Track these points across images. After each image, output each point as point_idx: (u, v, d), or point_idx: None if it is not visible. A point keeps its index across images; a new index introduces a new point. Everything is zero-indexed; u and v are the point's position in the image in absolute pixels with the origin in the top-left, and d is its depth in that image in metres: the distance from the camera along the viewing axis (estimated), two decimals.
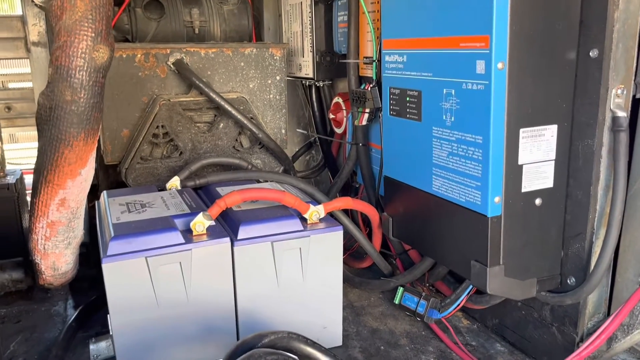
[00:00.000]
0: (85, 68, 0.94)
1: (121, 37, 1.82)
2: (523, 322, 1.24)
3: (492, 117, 0.98)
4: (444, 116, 1.10)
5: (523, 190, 1.04)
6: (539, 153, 1.04)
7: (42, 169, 1.00)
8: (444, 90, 1.09)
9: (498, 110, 0.98)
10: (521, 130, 1.01)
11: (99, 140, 1.66)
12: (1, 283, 1.34)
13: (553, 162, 1.05)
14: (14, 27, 3.82)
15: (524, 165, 1.03)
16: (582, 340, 1.10)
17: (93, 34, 0.94)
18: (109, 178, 1.97)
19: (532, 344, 1.22)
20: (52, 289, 1.61)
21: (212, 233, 1.16)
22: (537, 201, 1.06)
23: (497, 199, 1.02)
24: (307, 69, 1.86)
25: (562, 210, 1.09)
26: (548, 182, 1.06)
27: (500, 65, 0.96)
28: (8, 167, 1.92)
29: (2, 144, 2.44)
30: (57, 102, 0.95)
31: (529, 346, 1.23)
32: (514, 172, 1.03)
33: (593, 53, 1.00)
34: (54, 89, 0.95)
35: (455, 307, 1.29)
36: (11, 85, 3.92)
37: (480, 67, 0.99)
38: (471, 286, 1.24)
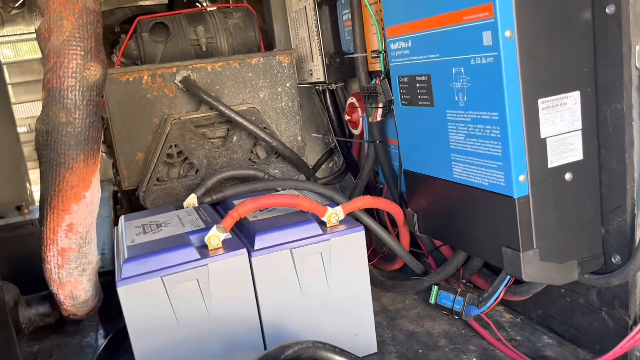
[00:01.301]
0: (77, 87, 0.92)
1: (131, 64, 1.82)
2: (569, 310, 1.15)
3: (506, 90, 0.91)
4: (456, 97, 1.04)
5: (550, 165, 0.96)
6: (562, 124, 0.96)
7: (46, 196, 0.98)
8: (453, 70, 1.03)
9: (511, 81, 0.91)
10: (540, 100, 0.94)
11: (117, 167, 1.67)
12: (28, 318, 1.33)
13: (580, 132, 0.97)
14: (35, 70, 3.96)
15: (547, 139, 0.95)
16: (635, 322, 1.00)
17: (82, 52, 0.92)
18: (131, 204, 1.97)
19: (582, 332, 1.13)
20: (82, 321, 1.60)
21: (228, 246, 1.12)
22: (567, 176, 0.98)
23: (522, 178, 0.95)
24: (318, 73, 1.82)
25: (597, 183, 1.00)
26: (577, 154, 0.98)
27: (508, 34, 0.90)
28: (36, 205, 1.95)
29: (30, 184, 2.49)
30: (53, 125, 0.93)
31: (579, 335, 1.14)
32: (538, 146, 0.95)
33: (609, 9, 0.92)
34: (49, 112, 0.93)
35: (494, 301, 1.20)
36: None
37: (487, 38, 0.92)
38: (508, 276, 1.16)
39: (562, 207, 0.98)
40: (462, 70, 1.00)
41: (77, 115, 0.93)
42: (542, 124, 0.95)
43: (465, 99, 1.02)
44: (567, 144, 0.97)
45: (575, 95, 0.96)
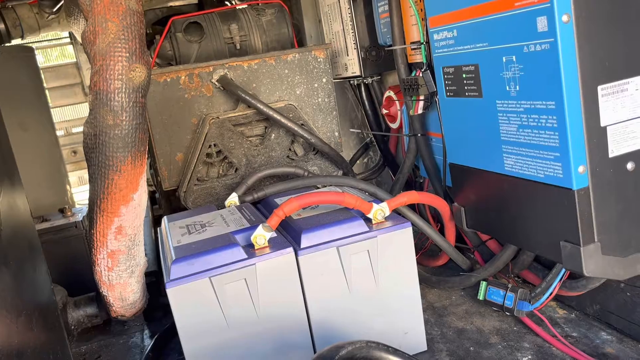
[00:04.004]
0: (123, 89, 0.91)
1: (166, 64, 1.82)
2: (630, 305, 1.10)
3: (563, 77, 0.88)
4: (507, 87, 1.00)
5: (611, 155, 0.92)
6: (624, 111, 0.91)
7: (95, 199, 0.98)
8: (504, 59, 0.99)
9: (569, 68, 0.87)
10: (599, 87, 0.89)
11: (156, 168, 1.68)
12: (77, 320, 1.34)
13: None
14: (70, 74, 4.03)
15: (608, 127, 0.91)
16: None
17: (127, 54, 0.91)
18: (171, 205, 1.97)
19: None
20: (128, 321, 1.62)
21: (274, 245, 1.11)
22: (630, 165, 0.93)
23: (581, 169, 0.91)
24: (353, 67, 1.80)
25: None
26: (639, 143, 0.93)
27: (565, 18, 0.86)
28: (80, 207, 1.97)
29: (70, 187, 2.53)
30: (101, 128, 0.93)
31: None
32: (598, 135, 0.91)
33: None
34: (96, 115, 0.93)
35: (548, 297, 1.17)
36: (75, 130, 4.13)
37: (541, 24, 0.88)
38: (563, 271, 1.12)
39: (625, 198, 0.94)
40: (514, 58, 0.97)
41: (124, 118, 0.92)
42: (602, 112, 0.90)
43: (517, 88, 0.98)
44: (629, 132, 0.92)
45: (637, 81, 0.91)
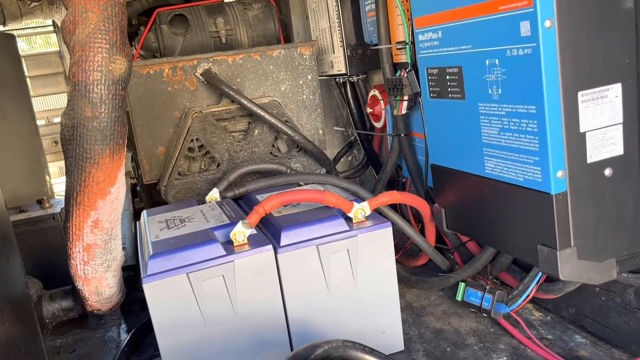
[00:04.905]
0: (103, 81, 0.90)
1: (150, 56, 1.80)
2: (604, 309, 1.12)
3: (545, 82, 0.88)
4: (490, 90, 1.00)
5: (589, 160, 0.93)
6: (603, 117, 0.92)
7: (72, 191, 0.97)
8: (487, 62, 0.99)
9: (550, 73, 0.88)
10: (579, 93, 0.90)
11: (138, 161, 1.66)
12: (52, 313, 1.33)
13: (621, 125, 0.94)
14: (52, 63, 3.97)
15: (587, 133, 0.92)
16: None
17: (108, 45, 0.90)
18: (152, 199, 1.96)
19: (617, 332, 1.09)
20: (105, 315, 1.60)
21: (254, 242, 1.10)
22: (607, 172, 0.94)
23: (560, 174, 0.92)
24: (339, 65, 1.79)
25: (638, 178, 0.96)
26: (617, 149, 0.94)
27: (548, 24, 0.86)
28: (59, 198, 1.95)
29: (50, 178, 2.49)
30: (79, 120, 0.91)
31: (614, 335, 1.11)
32: (577, 141, 0.91)
33: None
34: (74, 107, 0.91)
35: (525, 299, 1.17)
36: (56, 119, 4.07)
37: (524, 28, 0.88)
38: (540, 274, 1.13)
39: (601, 204, 0.94)
40: (497, 62, 0.97)
41: (102, 110, 0.91)
42: (581, 118, 0.91)
43: (499, 91, 0.98)
44: (608, 138, 0.93)
45: (617, 88, 0.92)
